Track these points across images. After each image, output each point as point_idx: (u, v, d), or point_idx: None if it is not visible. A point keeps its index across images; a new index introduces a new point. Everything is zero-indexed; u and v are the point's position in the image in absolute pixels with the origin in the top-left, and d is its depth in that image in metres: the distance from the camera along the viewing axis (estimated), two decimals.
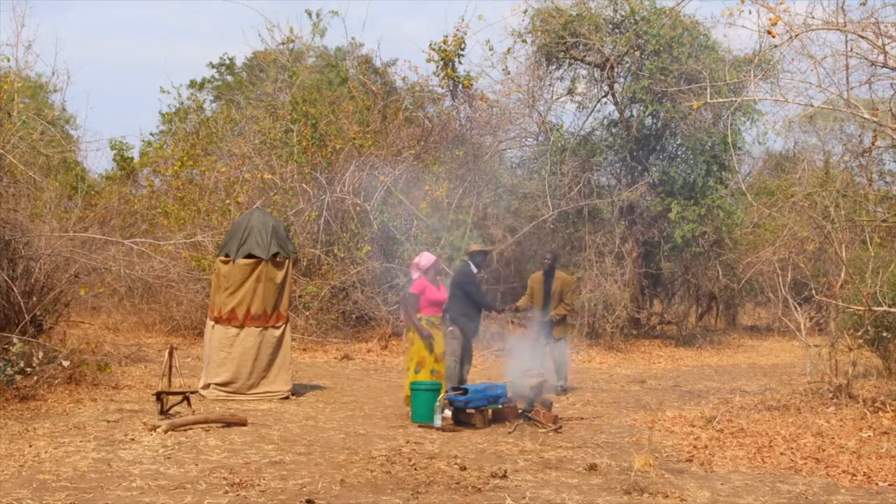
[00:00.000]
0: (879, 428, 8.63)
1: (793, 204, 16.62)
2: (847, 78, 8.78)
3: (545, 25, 17.96)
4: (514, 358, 10.41)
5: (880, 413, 9.19)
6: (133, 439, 8.09)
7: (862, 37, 8.60)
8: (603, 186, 19.10)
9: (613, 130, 18.86)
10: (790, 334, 17.33)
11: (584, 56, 18.33)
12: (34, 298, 11.71)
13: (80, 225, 14.47)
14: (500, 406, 9.39)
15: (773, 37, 8.30)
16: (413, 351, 10.06)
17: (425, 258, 10.21)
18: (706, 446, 8.20)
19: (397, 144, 17.77)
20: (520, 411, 9.42)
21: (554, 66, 18.84)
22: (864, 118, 9.06)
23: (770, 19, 8.26)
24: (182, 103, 21.73)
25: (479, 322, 10.51)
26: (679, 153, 18.75)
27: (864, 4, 8.87)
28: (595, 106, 18.93)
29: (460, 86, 18.42)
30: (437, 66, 18.28)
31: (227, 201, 16.91)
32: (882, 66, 8.82)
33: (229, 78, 31.60)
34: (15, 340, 10.09)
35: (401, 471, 7.12)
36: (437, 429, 8.93)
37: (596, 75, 18.51)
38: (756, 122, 18.25)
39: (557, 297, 11.56)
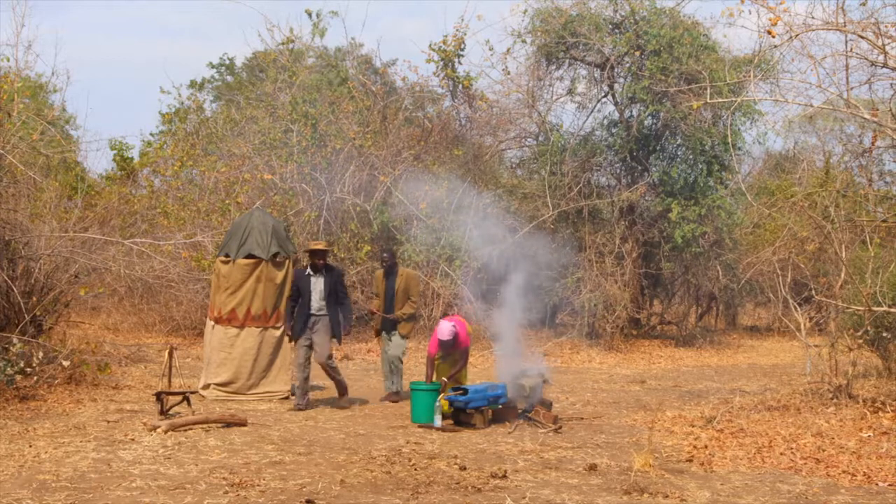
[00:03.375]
0: (879, 428, 8.63)
1: (793, 204, 16.63)
2: (847, 78, 8.79)
3: (545, 25, 17.96)
4: (506, 359, 10.34)
5: (880, 413, 9.19)
6: (133, 439, 8.09)
7: (862, 37, 8.60)
8: (603, 186, 19.11)
9: (613, 130, 18.86)
10: (790, 334, 17.33)
11: (584, 56, 18.33)
12: (34, 298, 11.70)
13: (80, 225, 14.47)
14: (500, 406, 9.39)
15: (773, 37, 8.30)
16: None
17: (442, 331, 9.77)
18: (706, 446, 8.20)
19: (397, 144, 17.77)
20: (520, 411, 9.43)
21: (554, 67, 18.84)
22: (864, 118, 9.06)
23: (770, 19, 8.26)
24: (182, 103, 21.72)
25: (302, 324, 10.14)
26: (679, 153, 18.75)
27: (864, 4, 8.88)
28: (595, 106, 18.95)
29: (460, 86, 18.43)
30: (437, 67, 18.29)
31: (227, 201, 16.90)
32: (882, 66, 8.83)
33: (229, 78, 31.61)
34: (15, 340, 10.09)
35: (401, 471, 7.12)
36: (437, 429, 8.93)
37: (596, 75, 18.51)
38: (756, 122, 18.27)
39: (403, 295, 10.89)
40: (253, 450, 7.82)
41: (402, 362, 10.95)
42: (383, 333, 11.03)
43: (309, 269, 10.23)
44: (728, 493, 6.67)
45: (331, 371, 10.29)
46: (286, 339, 10.73)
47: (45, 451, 7.52)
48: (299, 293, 10.22)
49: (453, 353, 9.92)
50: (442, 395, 9.19)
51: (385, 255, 11.23)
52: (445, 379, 9.69)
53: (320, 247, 10.33)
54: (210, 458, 7.43)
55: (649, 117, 18.24)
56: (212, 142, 19.33)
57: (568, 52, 18.20)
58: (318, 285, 10.16)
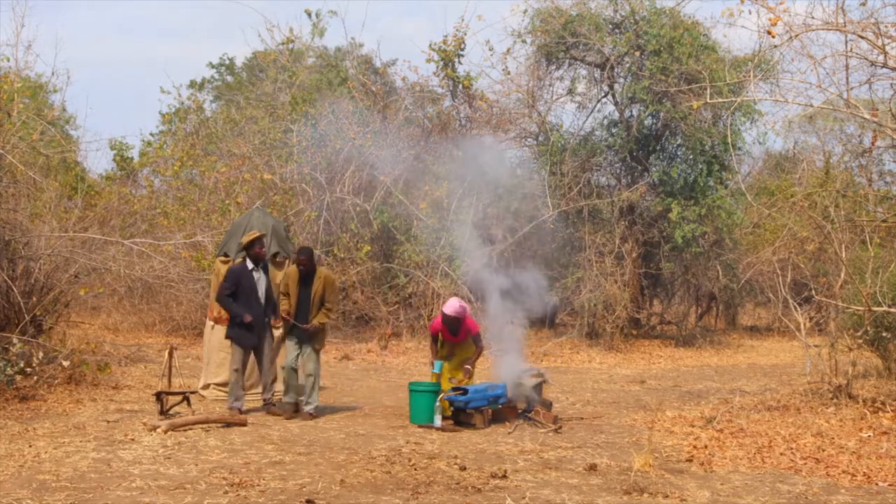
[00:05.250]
0: (879, 428, 8.63)
1: (793, 204, 16.63)
2: (847, 78, 8.79)
3: (545, 25, 17.98)
4: (504, 359, 10.32)
5: (880, 413, 9.20)
6: (133, 439, 8.08)
7: (862, 37, 8.60)
8: (603, 186, 19.12)
9: (613, 130, 18.88)
10: (790, 334, 17.33)
11: (584, 56, 18.34)
12: (34, 298, 11.70)
13: (79, 225, 14.47)
14: (500, 406, 9.39)
15: (773, 37, 8.30)
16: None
17: (448, 305, 9.61)
18: (706, 446, 8.20)
19: (397, 144, 17.78)
20: (520, 411, 9.43)
21: (554, 67, 18.87)
22: (864, 118, 9.06)
23: (770, 19, 8.27)
24: (182, 103, 21.74)
25: (250, 328, 9.27)
26: (679, 153, 18.78)
27: (864, 4, 8.88)
28: (595, 106, 18.98)
29: (460, 86, 18.43)
30: (437, 67, 18.30)
31: (227, 201, 16.91)
32: (882, 66, 8.83)
33: (229, 78, 31.60)
34: (15, 340, 10.09)
35: (401, 471, 7.12)
36: (437, 429, 8.93)
37: (596, 75, 18.53)
38: (756, 122, 18.31)
39: (318, 301, 9.40)
40: (253, 450, 7.82)
41: (320, 377, 9.64)
42: (291, 341, 9.49)
43: (250, 264, 9.35)
44: (728, 493, 6.67)
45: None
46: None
47: (45, 451, 7.52)
48: (237, 292, 9.29)
49: (461, 343, 9.76)
50: (441, 395, 9.18)
51: (302, 257, 9.37)
52: (469, 366, 9.62)
53: (258, 234, 9.37)
54: (210, 458, 7.43)
55: (649, 117, 18.26)
56: (212, 142, 19.35)
57: (568, 52, 18.21)
58: (261, 282, 9.43)
